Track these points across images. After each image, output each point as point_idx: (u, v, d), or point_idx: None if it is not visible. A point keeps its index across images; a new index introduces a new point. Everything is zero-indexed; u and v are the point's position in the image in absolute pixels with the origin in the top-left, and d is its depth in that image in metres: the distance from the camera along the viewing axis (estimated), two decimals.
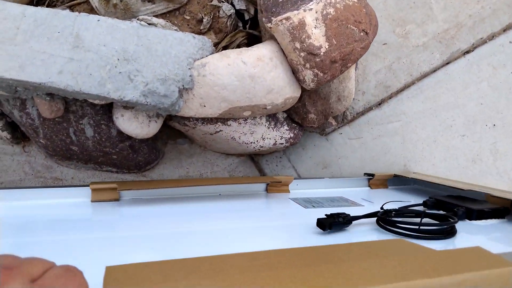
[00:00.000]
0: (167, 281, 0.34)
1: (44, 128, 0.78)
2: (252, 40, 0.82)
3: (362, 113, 0.95)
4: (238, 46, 0.80)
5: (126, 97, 0.65)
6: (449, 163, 0.98)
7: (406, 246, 0.42)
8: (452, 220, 0.56)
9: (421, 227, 0.52)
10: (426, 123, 0.97)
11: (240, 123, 0.80)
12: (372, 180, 0.89)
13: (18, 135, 0.83)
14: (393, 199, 0.75)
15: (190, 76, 0.68)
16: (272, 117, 0.83)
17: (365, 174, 0.93)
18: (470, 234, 0.57)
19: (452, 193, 0.75)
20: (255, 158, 0.94)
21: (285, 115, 0.84)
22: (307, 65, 0.69)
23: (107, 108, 0.78)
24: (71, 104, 0.78)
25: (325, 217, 0.55)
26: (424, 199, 0.70)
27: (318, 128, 0.88)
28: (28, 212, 0.66)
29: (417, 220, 0.55)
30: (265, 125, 0.82)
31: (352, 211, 0.60)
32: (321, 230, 0.55)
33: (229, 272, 0.36)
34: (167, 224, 0.63)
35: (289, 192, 0.82)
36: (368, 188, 0.90)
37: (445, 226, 0.54)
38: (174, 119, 0.81)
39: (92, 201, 0.71)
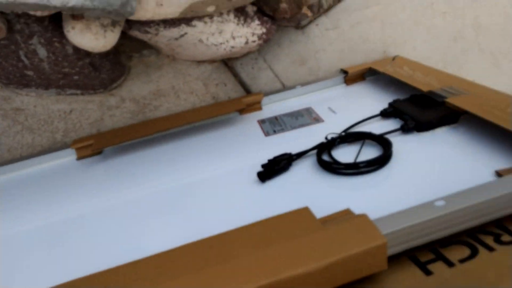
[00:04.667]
0: None
1: None
2: None
3: None
4: None
5: (70, 3, 0.56)
6: (431, 44, 0.94)
7: (301, 222, 0.40)
8: (385, 151, 0.56)
9: (356, 162, 0.55)
10: (406, 5, 0.90)
11: (206, 22, 0.73)
12: (348, 77, 0.87)
13: None
14: (357, 103, 0.79)
15: None
16: (240, 11, 0.75)
17: (341, 70, 0.91)
18: (407, 155, 0.56)
19: (416, 93, 0.70)
20: (228, 62, 0.88)
21: (254, 8, 0.77)
22: None
23: (57, 23, 0.70)
24: (14, 23, 0.69)
25: (267, 162, 0.59)
26: (384, 107, 0.69)
27: (292, 21, 0.81)
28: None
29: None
30: (234, 22, 0.75)
31: (311, 131, 0.69)
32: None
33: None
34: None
35: (261, 109, 0.84)
36: (344, 85, 0.88)
37: (374, 167, 0.54)
38: (133, 27, 0.74)
39: (77, 159, 0.77)
